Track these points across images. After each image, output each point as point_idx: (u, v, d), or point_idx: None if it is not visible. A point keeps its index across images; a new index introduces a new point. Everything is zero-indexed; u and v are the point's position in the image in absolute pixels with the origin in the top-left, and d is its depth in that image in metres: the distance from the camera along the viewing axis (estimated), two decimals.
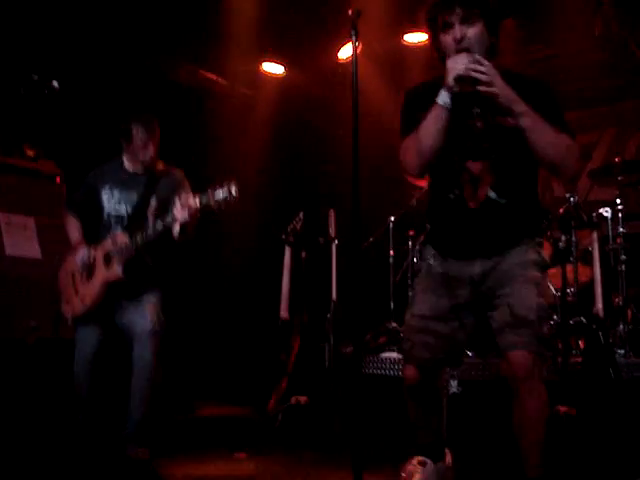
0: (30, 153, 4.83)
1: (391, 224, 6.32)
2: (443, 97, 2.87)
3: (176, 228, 3.84)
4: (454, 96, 2.87)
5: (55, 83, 3.78)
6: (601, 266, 5.15)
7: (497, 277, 3.00)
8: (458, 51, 2.90)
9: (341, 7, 5.82)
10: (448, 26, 2.94)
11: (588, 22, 6.64)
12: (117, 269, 3.94)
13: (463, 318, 3.10)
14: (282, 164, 7.79)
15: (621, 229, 5.47)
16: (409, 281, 6.26)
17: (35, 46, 5.28)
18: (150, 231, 3.92)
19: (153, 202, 4.07)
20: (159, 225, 3.90)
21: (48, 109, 3.99)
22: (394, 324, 6.02)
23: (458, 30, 2.91)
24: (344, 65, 7.07)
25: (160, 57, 6.72)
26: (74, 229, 4.27)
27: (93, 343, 4.04)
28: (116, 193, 4.16)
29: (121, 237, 3.98)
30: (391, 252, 6.36)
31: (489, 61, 2.87)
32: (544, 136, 2.86)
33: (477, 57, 2.82)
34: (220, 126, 7.06)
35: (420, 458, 3.24)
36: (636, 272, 5.56)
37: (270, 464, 4.19)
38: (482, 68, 2.79)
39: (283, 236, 5.74)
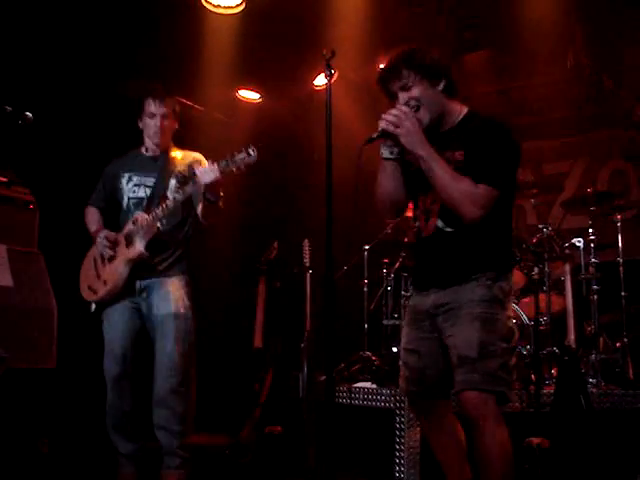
0: (3, 179, 4.79)
1: (365, 253, 6.31)
2: (381, 150, 3.21)
3: (200, 199, 3.83)
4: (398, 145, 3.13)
5: (29, 114, 3.76)
6: (573, 295, 5.18)
7: (448, 315, 3.08)
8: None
9: (318, 36, 5.91)
10: (394, 96, 3.21)
11: (560, 54, 6.75)
12: (139, 246, 3.85)
13: (432, 351, 3.16)
14: (257, 192, 7.78)
15: (593, 259, 5.52)
16: (384, 309, 6.25)
17: (6, 78, 5.26)
18: (170, 203, 3.84)
19: (172, 181, 4.01)
20: (179, 195, 3.82)
21: (22, 138, 3.97)
22: (368, 352, 5.99)
23: (401, 98, 3.17)
24: (320, 92, 7.10)
25: (133, 81, 6.70)
26: (93, 219, 4.25)
27: (120, 331, 3.97)
28: (134, 178, 4.13)
29: (141, 217, 3.91)
30: (365, 281, 6.35)
31: (447, 101, 3.20)
32: (439, 180, 3.03)
33: (399, 106, 3.08)
34: (194, 151, 7.05)
35: None
36: (608, 300, 5.61)
37: None
38: (392, 113, 3.05)
39: (257, 265, 5.71)
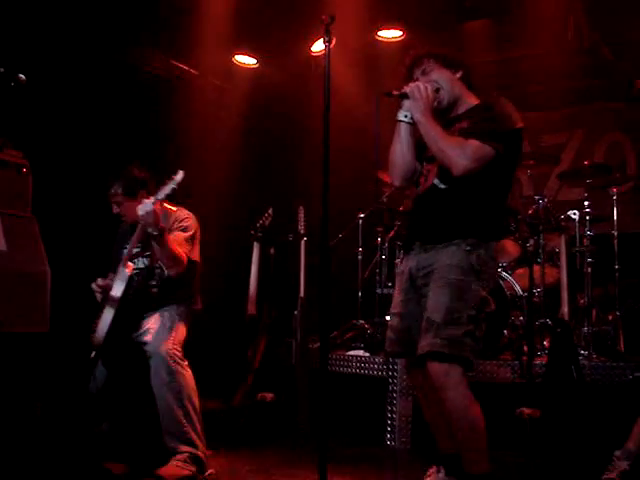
0: None
1: (360, 221, 6.30)
2: (398, 113, 3.38)
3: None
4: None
5: (22, 76, 3.71)
6: (567, 267, 5.19)
7: (426, 278, 3.24)
8: None
9: (316, 1, 5.83)
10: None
11: (560, 25, 6.69)
12: (114, 290, 3.92)
13: (414, 312, 3.29)
14: (252, 158, 7.74)
15: (588, 231, 5.52)
16: (377, 277, 6.26)
17: (1, 39, 5.19)
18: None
19: None
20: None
21: (15, 100, 3.92)
22: (361, 321, 6.01)
23: (420, 79, 3.40)
24: (317, 58, 7.04)
25: (130, 46, 6.63)
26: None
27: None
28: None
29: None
30: (360, 249, 6.35)
31: (464, 89, 3.45)
32: (431, 136, 3.22)
33: (424, 80, 3.34)
34: (190, 117, 6.99)
35: (436, 466, 3.39)
36: (601, 273, 5.62)
37: (235, 461, 4.16)
38: (416, 83, 3.30)
39: (252, 232, 5.70)
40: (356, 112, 7.13)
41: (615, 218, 5.75)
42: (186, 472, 3.69)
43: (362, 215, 6.31)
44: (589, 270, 5.48)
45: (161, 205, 3.76)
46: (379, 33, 7.05)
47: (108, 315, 3.91)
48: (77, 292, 5.28)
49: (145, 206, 3.68)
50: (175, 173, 3.74)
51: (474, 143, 3.15)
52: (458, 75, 3.45)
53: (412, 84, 3.30)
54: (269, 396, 5.17)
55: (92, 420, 4.13)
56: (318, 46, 6.96)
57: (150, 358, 3.78)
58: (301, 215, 5.76)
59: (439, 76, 3.41)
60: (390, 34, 7.04)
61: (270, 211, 5.73)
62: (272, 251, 5.93)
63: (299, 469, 3.97)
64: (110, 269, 4.38)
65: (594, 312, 5.60)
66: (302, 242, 5.70)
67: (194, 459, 3.76)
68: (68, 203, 5.78)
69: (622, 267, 5.64)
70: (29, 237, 4.59)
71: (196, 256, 4.21)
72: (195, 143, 7.07)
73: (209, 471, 3.82)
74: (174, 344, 3.83)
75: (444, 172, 3.25)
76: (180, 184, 3.73)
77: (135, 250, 4.04)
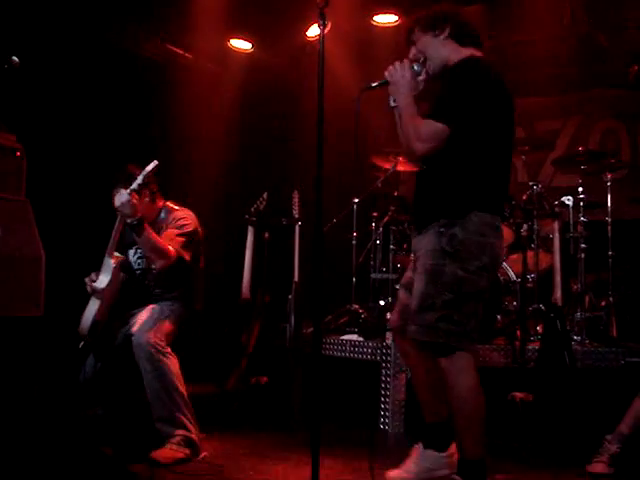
0: None
1: (355, 206, 6.30)
2: (389, 100, 3.29)
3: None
4: None
5: (15, 58, 3.69)
6: (561, 253, 5.21)
7: (417, 262, 3.29)
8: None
9: None
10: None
11: (556, 10, 6.67)
12: (98, 282, 3.99)
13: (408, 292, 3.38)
14: (247, 142, 7.72)
15: (582, 217, 5.53)
16: (372, 262, 6.27)
17: None
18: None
19: None
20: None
21: (8, 83, 3.90)
22: (355, 306, 6.02)
23: (410, 53, 3.39)
24: (313, 43, 7.02)
25: (125, 29, 6.60)
26: None
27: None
28: (139, 251, 4.25)
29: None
30: (354, 233, 6.35)
31: (452, 47, 3.32)
32: (402, 123, 3.19)
33: (397, 61, 3.25)
34: (185, 101, 6.97)
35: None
36: (595, 259, 5.64)
37: (229, 444, 4.18)
38: (387, 69, 3.26)
39: (246, 216, 5.70)
40: (351, 97, 7.12)
41: (609, 205, 5.78)
42: (180, 455, 3.72)
43: (356, 200, 6.30)
44: (582, 256, 5.51)
45: (139, 195, 3.82)
46: (374, 18, 7.03)
47: (93, 306, 3.93)
48: (72, 276, 5.28)
49: (121, 196, 3.72)
50: (147, 163, 3.79)
51: (427, 124, 3.11)
52: (443, 35, 3.32)
53: (389, 68, 3.25)
54: (263, 380, 5.19)
55: (84, 406, 4.15)
56: (313, 31, 6.95)
57: (134, 348, 3.81)
58: (295, 200, 5.76)
59: (423, 44, 3.35)
60: (385, 19, 7.03)
61: (265, 195, 5.72)
62: (266, 235, 5.93)
63: (293, 452, 3.99)
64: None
65: (587, 298, 5.63)
66: (296, 227, 5.70)
67: (188, 442, 3.78)
68: (62, 187, 5.77)
69: (615, 253, 5.67)
70: (23, 221, 4.59)
71: (196, 259, 4.23)
72: (190, 127, 7.06)
73: (203, 454, 3.85)
74: (156, 334, 3.83)
75: (429, 156, 3.20)
76: (151, 173, 3.78)
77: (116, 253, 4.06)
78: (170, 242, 3.97)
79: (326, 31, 3.02)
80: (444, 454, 3.40)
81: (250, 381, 5.22)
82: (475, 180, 3.17)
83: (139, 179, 3.75)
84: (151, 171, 3.77)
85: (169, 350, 3.84)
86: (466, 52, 3.30)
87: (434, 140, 3.08)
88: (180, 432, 3.78)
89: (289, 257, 5.63)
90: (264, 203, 5.70)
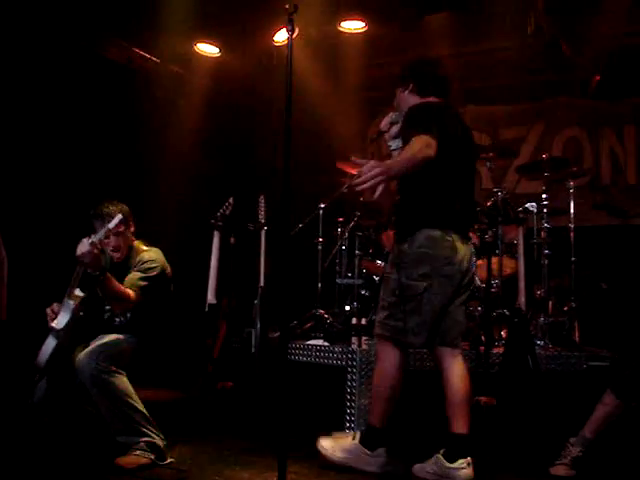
0: None
1: (321, 211, 6.31)
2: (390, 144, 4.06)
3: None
4: None
5: None
6: (525, 259, 5.27)
7: None
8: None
9: None
10: None
11: (521, 19, 6.76)
12: (56, 321, 3.93)
13: None
14: (213, 147, 7.70)
15: (545, 224, 5.60)
16: (337, 268, 6.28)
17: None
18: None
19: None
20: None
21: None
22: (321, 311, 6.02)
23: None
24: (280, 48, 7.02)
25: (90, 33, 6.54)
26: None
27: None
28: None
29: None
30: (320, 239, 6.36)
31: (414, 99, 3.88)
32: (404, 170, 3.44)
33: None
34: (151, 105, 6.94)
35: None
36: (558, 265, 5.71)
37: (195, 450, 4.15)
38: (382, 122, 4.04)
39: (212, 221, 5.68)
40: (318, 103, 7.15)
41: (572, 211, 5.86)
42: (144, 460, 3.69)
43: (322, 205, 6.31)
44: (546, 262, 5.57)
45: (100, 245, 3.72)
46: (342, 24, 7.05)
47: (51, 343, 3.88)
48: (35, 280, 5.22)
49: (82, 246, 3.64)
50: (112, 217, 3.78)
51: (413, 140, 3.49)
52: (408, 90, 3.94)
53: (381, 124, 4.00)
54: (229, 385, 5.17)
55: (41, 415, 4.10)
56: (281, 36, 6.95)
57: (77, 371, 3.76)
58: (262, 204, 5.75)
59: (396, 98, 4.03)
60: (353, 25, 7.05)
61: (231, 200, 5.71)
62: (232, 240, 5.91)
63: (259, 457, 3.97)
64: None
65: (550, 303, 5.70)
66: (262, 231, 5.70)
67: (152, 447, 3.76)
68: (27, 189, 5.70)
69: (578, 259, 5.75)
70: None
71: (163, 297, 4.19)
72: (155, 132, 7.02)
73: (168, 460, 3.82)
74: (99, 356, 3.75)
75: (399, 188, 3.85)
76: (115, 229, 3.78)
77: (76, 291, 3.97)
78: (132, 286, 3.93)
79: (293, 36, 3.04)
80: (370, 453, 3.77)
81: (216, 386, 5.19)
82: (423, 202, 3.71)
83: (101, 233, 3.69)
84: (114, 227, 3.74)
85: (113, 368, 3.77)
86: (420, 100, 3.86)
87: (428, 146, 3.41)
88: (143, 439, 3.75)
89: (255, 262, 5.62)
90: (230, 208, 5.68)
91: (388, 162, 3.38)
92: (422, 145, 3.39)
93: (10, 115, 5.56)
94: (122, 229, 4.05)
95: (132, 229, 4.22)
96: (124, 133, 6.69)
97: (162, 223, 6.57)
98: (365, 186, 3.19)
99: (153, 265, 4.09)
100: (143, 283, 3.98)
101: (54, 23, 6.01)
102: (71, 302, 3.89)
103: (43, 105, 5.90)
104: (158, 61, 7.40)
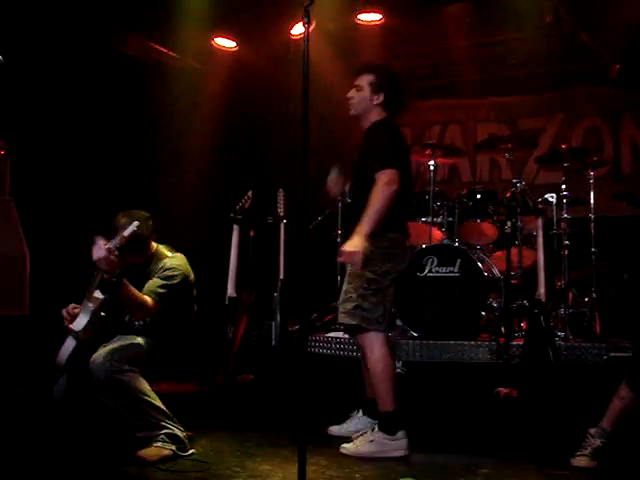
0: None
1: (340, 203, 6.31)
2: None
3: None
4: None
5: None
6: (544, 250, 5.24)
7: None
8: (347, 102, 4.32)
9: None
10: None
11: (539, 9, 6.71)
12: (76, 323, 3.89)
13: None
14: (232, 140, 7.72)
15: (565, 214, 5.57)
16: None
17: None
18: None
19: None
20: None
21: None
22: None
23: (349, 92, 4.30)
24: (297, 41, 7.02)
25: (108, 27, 6.57)
26: None
27: None
28: None
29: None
30: (339, 231, 6.36)
31: (376, 110, 4.21)
32: (375, 221, 3.90)
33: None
34: (169, 100, 6.96)
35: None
36: (578, 256, 5.68)
37: (215, 442, 4.18)
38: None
39: (232, 214, 5.70)
40: (336, 95, 7.14)
41: (592, 202, 5.82)
42: (166, 452, 3.72)
43: (341, 198, 6.31)
44: (566, 253, 5.54)
45: (116, 252, 3.63)
46: (358, 16, 7.04)
47: (70, 344, 3.87)
48: (57, 276, 5.26)
49: (98, 251, 3.60)
50: (129, 224, 3.69)
51: (379, 176, 3.97)
52: (377, 100, 4.20)
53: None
54: (249, 378, 5.20)
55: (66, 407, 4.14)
56: (298, 29, 6.94)
57: (92, 372, 3.74)
58: (281, 198, 5.77)
59: (357, 100, 4.29)
60: (369, 17, 7.03)
61: (250, 194, 5.73)
62: (252, 233, 5.94)
63: (279, 449, 4.00)
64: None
65: (570, 294, 5.68)
66: (281, 225, 5.71)
67: (172, 438, 3.77)
68: (47, 186, 5.75)
69: (598, 250, 5.72)
70: (7, 220, 4.59)
71: (186, 304, 4.17)
72: (174, 126, 7.04)
73: (190, 451, 3.85)
74: (113, 356, 3.74)
75: (353, 191, 4.35)
76: (130, 237, 3.67)
77: (96, 293, 3.90)
78: (150, 293, 3.89)
79: (310, 29, 3.03)
80: (392, 437, 3.97)
81: (236, 379, 5.22)
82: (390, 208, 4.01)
83: (117, 240, 3.63)
84: (130, 234, 3.66)
85: (126, 367, 3.76)
86: (380, 116, 4.20)
87: (395, 180, 3.92)
88: (163, 431, 3.77)
89: (274, 255, 5.64)
90: (249, 201, 5.71)
91: (361, 230, 3.84)
92: (385, 189, 3.89)
93: (29, 112, 5.59)
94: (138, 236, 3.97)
95: (152, 234, 4.12)
96: (142, 128, 6.71)
97: (181, 218, 6.61)
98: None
99: (175, 273, 4.02)
100: (162, 290, 3.91)
101: (71, 18, 6.03)
102: (90, 304, 3.87)
103: (61, 101, 5.93)
104: (175, 56, 7.41)
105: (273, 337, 5.37)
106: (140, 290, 3.86)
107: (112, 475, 3.52)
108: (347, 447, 4.01)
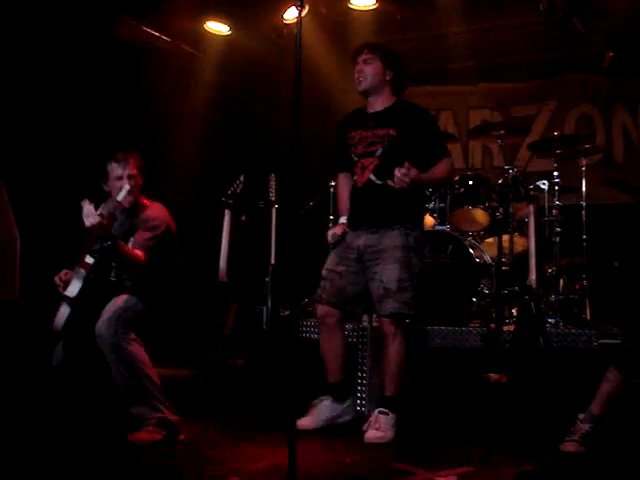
0: None
1: (331, 189, 6.29)
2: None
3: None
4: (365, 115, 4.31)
5: None
6: (536, 237, 5.25)
7: (374, 255, 4.10)
8: (357, 78, 4.21)
9: None
10: (354, 63, 4.23)
11: None
12: (70, 289, 3.93)
13: (352, 276, 4.19)
14: (224, 125, 7.69)
15: (557, 201, 5.58)
16: None
17: None
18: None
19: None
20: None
21: None
22: None
23: (359, 66, 4.21)
24: (290, 26, 6.99)
25: (99, 11, 6.52)
26: None
27: None
28: None
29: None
30: (331, 217, 6.35)
31: (387, 86, 4.23)
32: (434, 182, 4.43)
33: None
34: (161, 84, 6.93)
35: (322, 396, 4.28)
36: (569, 243, 5.70)
37: (207, 427, 4.19)
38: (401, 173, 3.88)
39: (223, 199, 5.69)
40: (328, 81, 7.12)
41: (584, 189, 5.83)
42: (158, 437, 3.73)
43: (333, 183, 6.30)
44: (557, 240, 5.55)
45: (109, 217, 3.71)
46: (352, 1, 7.00)
47: (65, 311, 3.91)
48: (47, 261, 5.24)
49: (91, 217, 3.62)
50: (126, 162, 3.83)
51: (447, 161, 4.23)
52: (388, 76, 4.22)
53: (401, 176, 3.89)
54: (240, 362, 5.21)
55: (59, 390, 4.15)
56: (291, 14, 6.91)
57: (97, 339, 3.78)
58: (272, 182, 5.76)
59: (376, 71, 4.24)
60: (363, 2, 6.99)
61: (242, 178, 5.72)
62: (243, 218, 5.93)
63: (270, 434, 4.01)
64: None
65: (561, 281, 5.70)
66: (273, 210, 5.71)
67: (164, 423, 3.79)
68: (37, 169, 5.72)
69: (589, 237, 5.73)
70: None
71: (169, 254, 4.15)
72: (166, 111, 7.02)
73: (181, 436, 3.86)
74: (117, 323, 3.78)
75: (379, 171, 4.10)
76: (124, 201, 3.79)
77: (87, 259, 3.95)
78: (141, 247, 3.91)
79: (303, 14, 3.02)
80: (344, 404, 4.31)
81: (227, 364, 5.23)
82: (424, 196, 4.43)
83: (109, 206, 3.70)
84: (123, 199, 3.74)
85: (132, 337, 3.80)
86: (392, 95, 4.26)
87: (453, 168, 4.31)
88: (155, 414, 3.79)
89: (266, 240, 5.64)
90: (241, 186, 5.70)
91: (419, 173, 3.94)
92: (451, 174, 4.37)
93: (18, 95, 5.56)
94: (135, 172, 4.06)
95: (141, 182, 4.15)
96: (135, 113, 6.68)
97: (173, 202, 6.58)
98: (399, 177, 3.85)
99: (157, 223, 4.06)
100: (150, 243, 3.96)
101: (65, 2, 5.98)
102: (82, 270, 3.93)
103: (51, 85, 5.89)
104: (168, 40, 7.38)
105: (264, 322, 5.38)
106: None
107: (103, 459, 3.53)
108: (372, 436, 3.94)
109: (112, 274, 4.13)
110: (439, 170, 4.12)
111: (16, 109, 5.48)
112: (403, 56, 4.35)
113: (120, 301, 3.93)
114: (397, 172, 3.84)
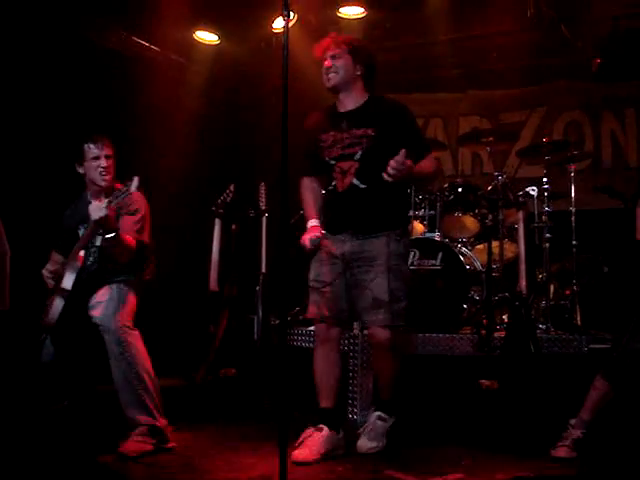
0: None
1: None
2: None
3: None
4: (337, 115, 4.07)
5: None
6: (526, 243, 5.26)
7: (362, 262, 3.87)
8: (326, 73, 3.99)
9: None
10: (323, 59, 4.01)
11: (520, 2, 6.73)
12: (65, 281, 3.97)
13: (342, 286, 3.95)
14: (214, 134, 7.69)
15: (546, 208, 5.60)
16: None
17: None
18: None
19: None
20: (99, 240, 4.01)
21: None
22: None
23: (327, 62, 3.97)
24: (279, 36, 6.99)
25: (89, 20, 6.51)
26: (52, 260, 4.39)
27: None
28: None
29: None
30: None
31: (358, 82, 4.01)
32: (422, 177, 4.00)
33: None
34: (151, 94, 6.92)
35: (314, 427, 3.86)
36: (559, 249, 5.71)
37: (198, 437, 4.18)
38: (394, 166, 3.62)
39: (213, 208, 5.69)
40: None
41: (573, 195, 5.85)
42: (148, 447, 3.73)
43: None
44: (547, 246, 5.57)
45: (116, 209, 3.81)
46: (340, 10, 7.02)
47: (59, 304, 3.92)
48: (38, 271, 5.23)
49: (99, 210, 3.67)
50: (130, 179, 3.71)
51: (431, 157, 4.04)
52: (358, 71, 4.01)
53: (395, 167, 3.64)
54: (231, 372, 5.20)
55: (49, 399, 4.15)
56: (279, 23, 6.92)
57: (103, 333, 3.81)
58: (262, 191, 5.76)
59: (345, 64, 4.02)
60: (351, 11, 7.02)
61: (232, 187, 5.72)
62: (234, 227, 5.92)
63: (261, 443, 4.00)
64: (57, 246, 4.39)
65: (552, 287, 5.71)
66: (263, 218, 5.71)
67: (153, 431, 3.79)
68: (27, 182, 5.70)
69: (579, 243, 5.75)
70: None
71: (146, 237, 4.19)
72: (155, 121, 7.00)
73: (171, 444, 3.85)
74: (122, 315, 3.85)
75: (362, 174, 3.89)
76: (103, 182, 3.93)
77: (81, 253, 4.03)
78: (130, 232, 3.97)
79: (291, 23, 3.04)
80: (339, 435, 3.92)
81: (219, 373, 5.22)
82: (409, 201, 4.19)
83: (120, 197, 3.71)
84: (134, 190, 3.73)
85: (137, 332, 3.89)
86: (364, 91, 4.04)
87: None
88: (146, 419, 3.78)
89: (256, 249, 5.63)
90: (231, 195, 5.70)
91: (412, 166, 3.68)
92: (438, 171, 4.47)
93: (6, 107, 5.55)
94: (112, 153, 4.16)
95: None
96: (124, 122, 6.67)
97: (163, 211, 6.57)
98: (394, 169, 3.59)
99: (138, 206, 4.12)
100: (137, 226, 4.05)
101: (51, 11, 5.97)
102: (77, 263, 3.97)
103: (42, 95, 5.88)
104: (157, 49, 7.37)
105: (255, 331, 5.37)
106: None
107: (93, 470, 3.51)
108: (365, 446, 3.89)
109: (88, 262, 4.15)
110: (426, 165, 3.89)
111: (3, 121, 5.47)
112: (390, 64, 4.30)
113: (114, 292, 3.96)
114: (393, 163, 3.57)
